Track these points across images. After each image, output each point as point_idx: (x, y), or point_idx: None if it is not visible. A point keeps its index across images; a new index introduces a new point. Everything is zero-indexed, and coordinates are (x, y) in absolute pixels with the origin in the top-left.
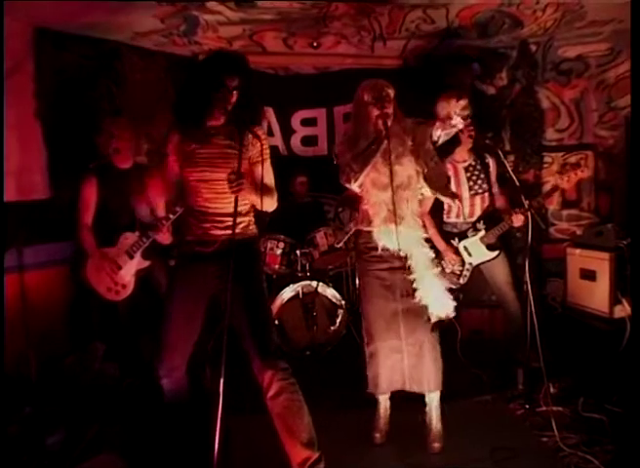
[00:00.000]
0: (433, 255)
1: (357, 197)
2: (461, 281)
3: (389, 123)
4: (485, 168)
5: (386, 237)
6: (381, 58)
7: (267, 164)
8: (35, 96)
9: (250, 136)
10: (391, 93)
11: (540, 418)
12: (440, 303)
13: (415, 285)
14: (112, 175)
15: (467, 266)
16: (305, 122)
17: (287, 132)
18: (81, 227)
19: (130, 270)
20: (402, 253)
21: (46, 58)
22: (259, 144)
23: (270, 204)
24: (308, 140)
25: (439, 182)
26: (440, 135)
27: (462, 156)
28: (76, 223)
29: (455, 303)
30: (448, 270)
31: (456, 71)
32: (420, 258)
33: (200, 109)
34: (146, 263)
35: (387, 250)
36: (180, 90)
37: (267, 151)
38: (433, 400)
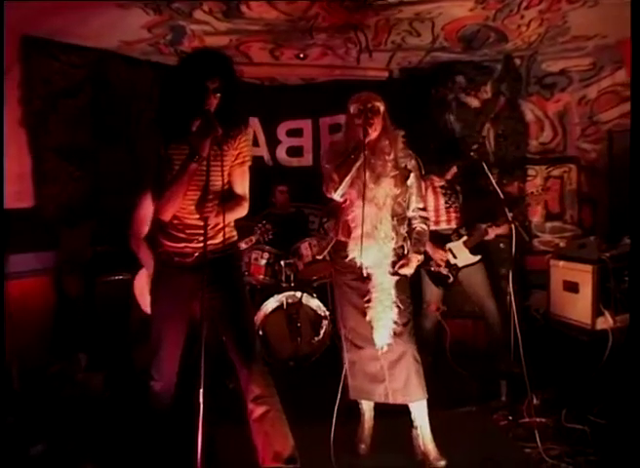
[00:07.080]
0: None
1: (341, 208)
2: (449, 281)
3: (370, 132)
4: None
5: (356, 250)
6: (367, 70)
7: (241, 171)
8: (21, 103)
9: (226, 144)
10: (379, 105)
11: (524, 429)
12: (383, 333)
13: (370, 304)
14: None
15: (453, 267)
16: (291, 133)
17: (272, 142)
18: (135, 238)
19: None
20: (365, 271)
21: (33, 65)
22: (235, 152)
23: (237, 214)
24: (294, 151)
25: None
26: None
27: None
28: (129, 235)
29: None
30: (435, 270)
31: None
32: (382, 281)
33: (180, 115)
34: None
35: (355, 262)
36: (160, 94)
37: (246, 158)
38: (420, 413)
